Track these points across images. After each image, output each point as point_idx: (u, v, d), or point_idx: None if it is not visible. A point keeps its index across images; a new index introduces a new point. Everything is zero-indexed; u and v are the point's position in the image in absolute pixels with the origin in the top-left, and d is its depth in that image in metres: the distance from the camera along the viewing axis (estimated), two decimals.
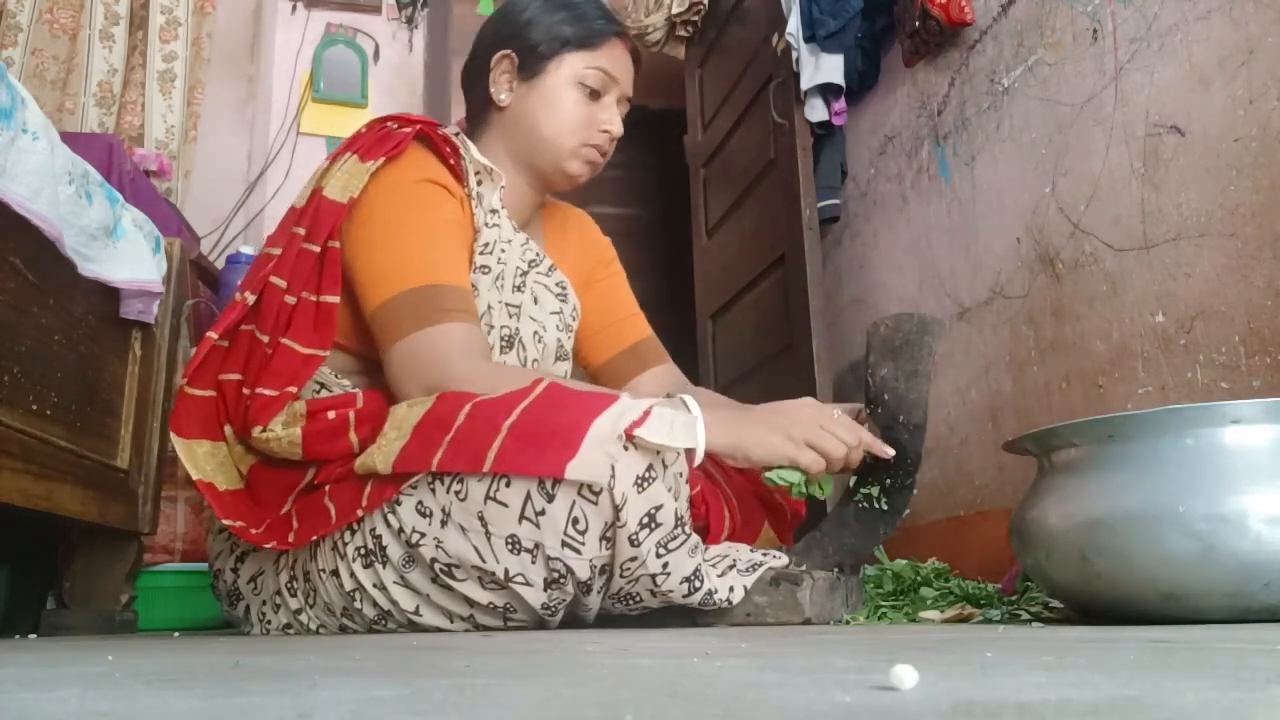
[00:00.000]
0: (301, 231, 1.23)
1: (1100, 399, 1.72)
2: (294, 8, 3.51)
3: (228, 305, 1.25)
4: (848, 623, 1.18)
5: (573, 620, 1.14)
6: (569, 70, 1.34)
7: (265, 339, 1.20)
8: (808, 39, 2.48)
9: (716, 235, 3.18)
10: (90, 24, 3.00)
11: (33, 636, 1.45)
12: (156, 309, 1.65)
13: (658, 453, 1.02)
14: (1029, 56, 1.96)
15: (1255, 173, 1.44)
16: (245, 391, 1.18)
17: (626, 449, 1.00)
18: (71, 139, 1.51)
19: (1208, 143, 1.53)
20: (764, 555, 1.16)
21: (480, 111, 1.40)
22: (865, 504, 1.21)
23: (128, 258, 1.54)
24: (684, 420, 1.04)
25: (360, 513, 1.08)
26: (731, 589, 1.08)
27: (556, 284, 1.40)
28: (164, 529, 1.88)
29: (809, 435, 1.12)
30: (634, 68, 1.40)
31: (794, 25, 2.51)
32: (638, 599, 1.07)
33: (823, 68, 2.47)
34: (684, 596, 1.05)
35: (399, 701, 0.40)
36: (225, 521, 1.15)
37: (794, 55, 2.53)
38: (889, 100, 2.51)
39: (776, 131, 2.68)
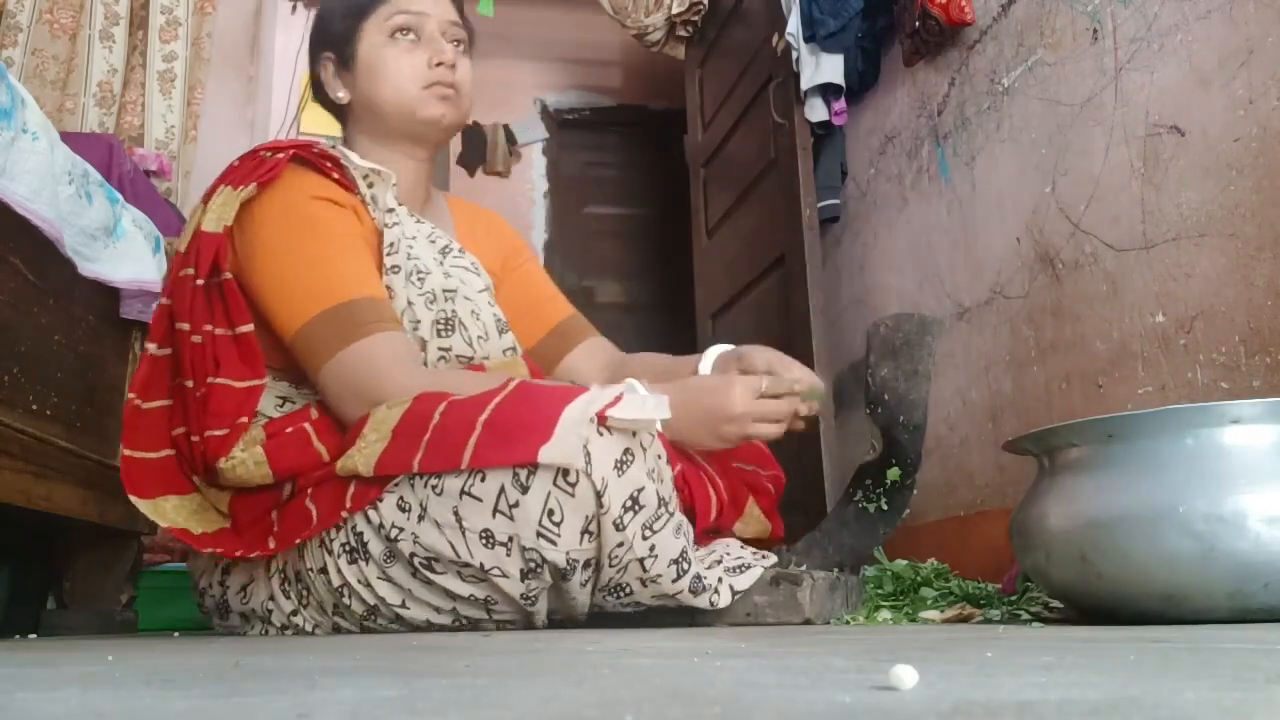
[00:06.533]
0: (191, 271, 1.22)
1: (1100, 399, 1.72)
2: (294, 8, 3.51)
3: (139, 363, 1.26)
4: (848, 623, 1.18)
5: (565, 618, 1.14)
6: (374, 33, 1.35)
7: (191, 384, 1.20)
8: (808, 39, 2.48)
9: (716, 235, 3.17)
10: (90, 24, 3.00)
11: (33, 636, 1.45)
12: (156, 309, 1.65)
13: (634, 435, 1.03)
14: (1029, 56, 1.96)
15: (1255, 173, 1.44)
16: (195, 439, 1.18)
17: (601, 434, 1.01)
18: (71, 139, 1.51)
19: (1208, 142, 1.53)
20: (754, 556, 1.17)
21: (340, 118, 1.42)
22: (865, 504, 1.21)
23: (128, 258, 1.54)
24: (655, 399, 1.05)
25: (344, 514, 1.09)
26: (720, 580, 1.09)
27: (470, 263, 1.39)
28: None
29: (743, 430, 1.19)
30: None
31: (794, 25, 2.51)
32: (628, 590, 1.07)
33: (823, 68, 2.47)
34: (673, 581, 1.05)
35: (399, 701, 0.40)
36: (205, 551, 1.16)
37: (794, 55, 2.53)
38: (889, 100, 2.51)
39: (776, 131, 2.67)
